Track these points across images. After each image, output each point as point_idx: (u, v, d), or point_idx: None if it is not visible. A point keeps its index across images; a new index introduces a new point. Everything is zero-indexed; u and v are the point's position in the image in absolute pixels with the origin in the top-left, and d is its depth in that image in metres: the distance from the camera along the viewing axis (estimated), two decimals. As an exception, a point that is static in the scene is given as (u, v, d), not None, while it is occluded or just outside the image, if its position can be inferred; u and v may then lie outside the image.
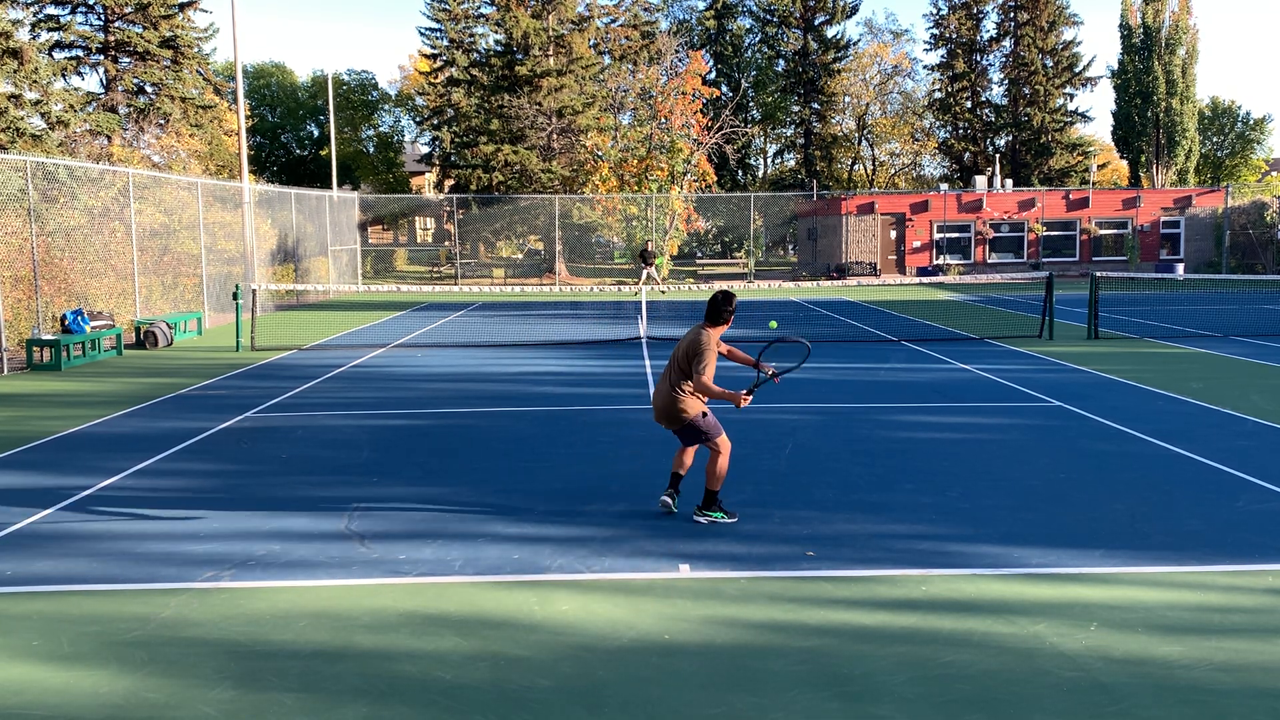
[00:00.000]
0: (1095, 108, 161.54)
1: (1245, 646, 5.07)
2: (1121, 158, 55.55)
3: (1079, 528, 7.06)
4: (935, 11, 59.02)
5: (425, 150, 57.65)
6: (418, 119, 57.93)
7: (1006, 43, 57.80)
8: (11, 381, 14.68)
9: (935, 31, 59.04)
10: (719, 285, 33.12)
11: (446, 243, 50.60)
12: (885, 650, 5.07)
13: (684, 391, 7.13)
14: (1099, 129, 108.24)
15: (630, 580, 6.11)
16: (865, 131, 66.60)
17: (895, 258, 41.30)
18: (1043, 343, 18.00)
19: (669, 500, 7.41)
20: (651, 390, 13.08)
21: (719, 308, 7.26)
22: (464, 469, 8.96)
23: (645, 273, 32.49)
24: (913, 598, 5.79)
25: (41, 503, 7.91)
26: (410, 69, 63.60)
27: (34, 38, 31.88)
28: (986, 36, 58.35)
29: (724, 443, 7.25)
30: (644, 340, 18.66)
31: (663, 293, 32.63)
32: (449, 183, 50.41)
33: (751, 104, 62.46)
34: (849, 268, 40.68)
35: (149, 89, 34.85)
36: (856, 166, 68.32)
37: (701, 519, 7.24)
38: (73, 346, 16.36)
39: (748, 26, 63.69)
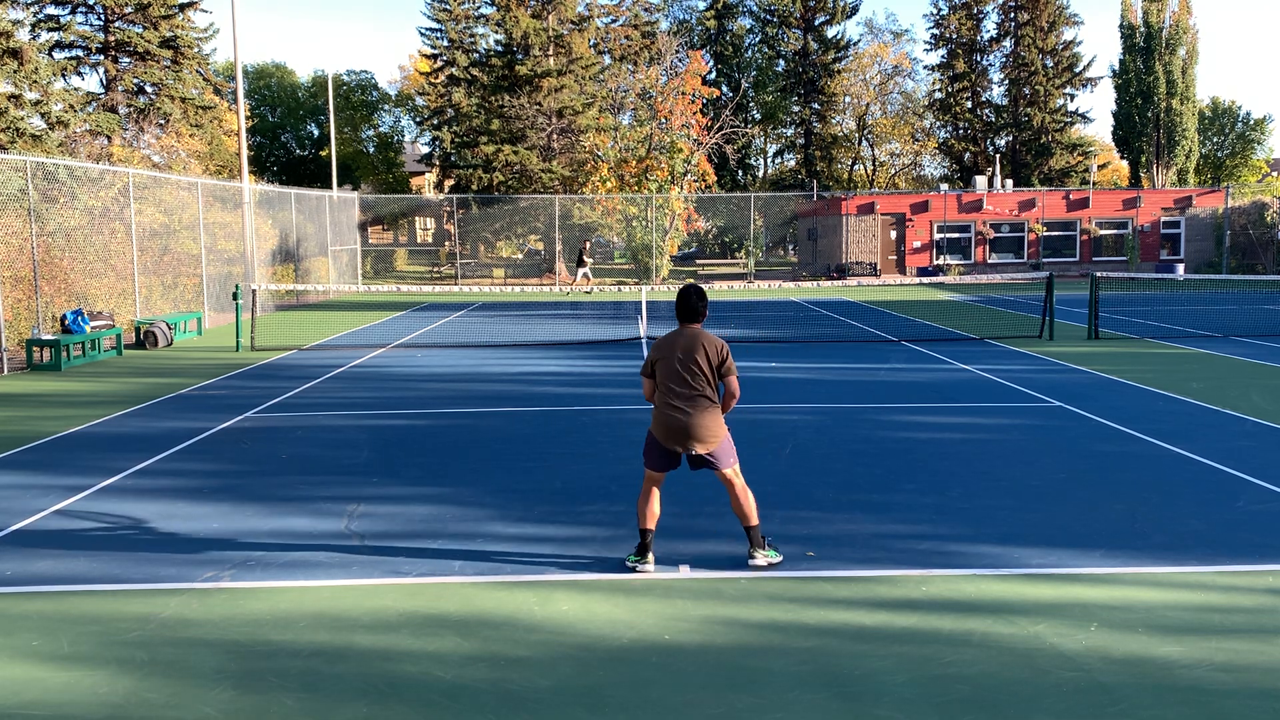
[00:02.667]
0: (1095, 108, 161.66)
1: (1245, 646, 5.07)
2: (1122, 158, 55.56)
3: (1079, 528, 7.06)
4: (935, 12, 59.07)
5: (425, 150, 57.68)
6: (418, 119, 57.96)
7: (1006, 43, 57.83)
8: (11, 381, 14.68)
9: (935, 32, 59.07)
10: (720, 286, 33.21)
11: (446, 243, 50.62)
12: (885, 650, 5.06)
13: (715, 403, 6.29)
14: (1099, 129, 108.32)
15: (630, 580, 6.11)
16: (865, 131, 66.61)
17: (895, 258, 41.30)
18: (1043, 343, 17.99)
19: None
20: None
21: (702, 304, 6.41)
22: (464, 469, 8.96)
23: (581, 272, 33.30)
24: (913, 598, 5.79)
25: (42, 502, 7.91)
26: (410, 69, 63.64)
27: (34, 38, 31.89)
28: (986, 37, 58.39)
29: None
30: (644, 340, 18.65)
31: (588, 294, 32.88)
32: (449, 183, 50.44)
33: (751, 104, 62.47)
34: (849, 268, 40.69)
35: (149, 89, 34.86)
36: (857, 166, 68.33)
37: (763, 559, 6.32)
38: (73, 346, 16.36)
39: (748, 26, 63.74)
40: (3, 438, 10.47)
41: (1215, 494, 7.89)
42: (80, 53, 33.97)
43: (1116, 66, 51.78)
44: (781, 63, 62.66)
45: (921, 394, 12.76)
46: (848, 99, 64.77)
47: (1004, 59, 57.95)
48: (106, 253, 19.93)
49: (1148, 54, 50.08)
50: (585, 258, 34.68)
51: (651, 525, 6.28)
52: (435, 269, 46.36)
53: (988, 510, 7.50)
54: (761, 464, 8.96)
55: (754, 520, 6.27)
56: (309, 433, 10.62)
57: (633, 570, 6.26)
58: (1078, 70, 56.31)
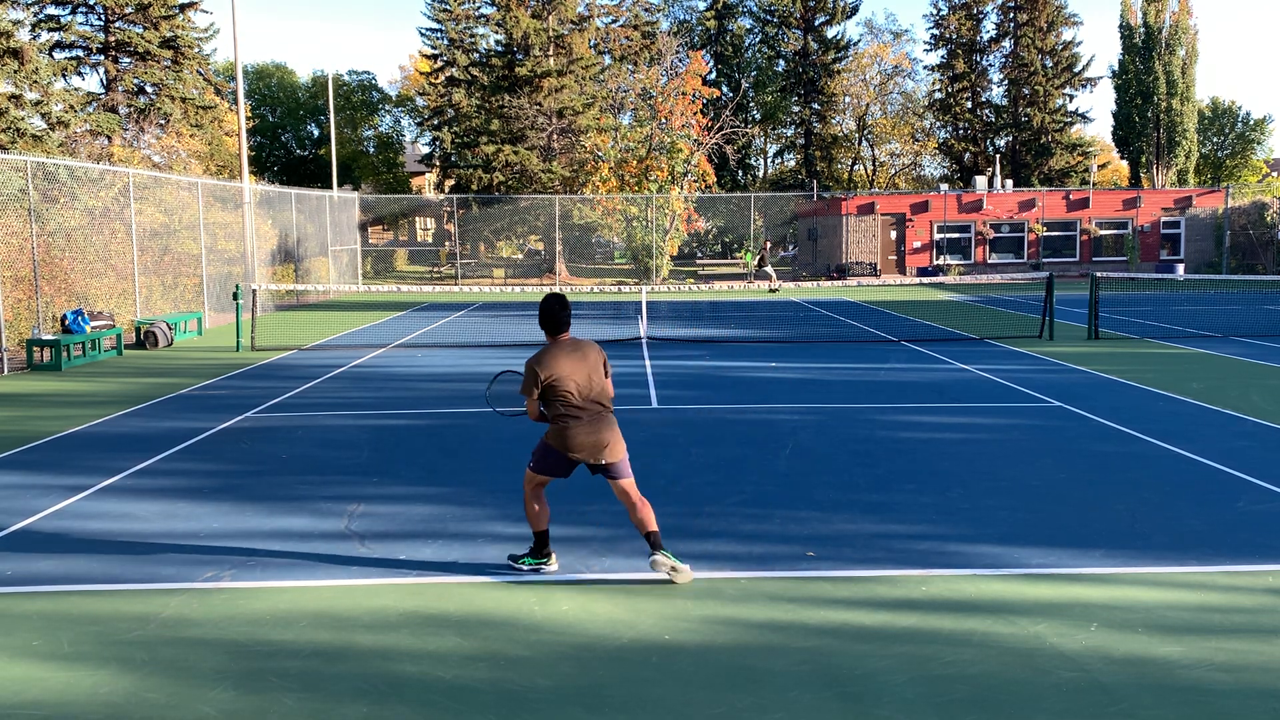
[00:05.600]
0: (1095, 108, 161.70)
1: (1245, 646, 5.07)
2: (1121, 158, 55.59)
3: (1079, 528, 7.06)
4: (935, 12, 59.08)
5: (425, 150, 57.71)
6: (418, 119, 57.94)
7: (1006, 43, 57.83)
8: (11, 381, 14.68)
9: (935, 32, 59.08)
10: (720, 286, 33.20)
11: (447, 243, 50.62)
12: (885, 650, 5.06)
13: (612, 410, 6.23)
14: (1099, 129, 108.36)
15: (630, 580, 6.11)
16: (865, 132, 66.61)
17: (895, 258, 41.30)
18: (1043, 343, 17.99)
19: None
20: (652, 392, 13.07)
21: (566, 312, 6.21)
22: (464, 469, 8.96)
23: (767, 272, 33.00)
24: (913, 598, 5.79)
25: (42, 502, 7.91)
26: (411, 69, 63.66)
27: (34, 38, 31.90)
28: (986, 37, 58.39)
29: None
30: (644, 340, 18.65)
31: (774, 290, 32.67)
32: (449, 183, 50.44)
33: (751, 104, 62.47)
34: (849, 268, 40.69)
35: (149, 89, 34.87)
36: (857, 167, 68.33)
37: (666, 562, 5.99)
38: (73, 346, 16.36)
39: (748, 27, 63.74)
40: (3, 438, 10.47)
41: (1215, 494, 7.89)
42: (80, 53, 33.98)
43: (1116, 67, 51.79)
44: (781, 63, 62.66)
45: (921, 394, 12.76)
46: (848, 99, 64.77)
47: (1004, 59, 57.96)
48: (107, 253, 19.93)
49: (1147, 54, 50.09)
50: (765, 260, 34.47)
51: (547, 525, 6.25)
52: (435, 269, 46.35)
53: (988, 510, 7.50)
54: (761, 464, 8.96)
55: (653, 526, 6.03)
56: (309, 433, 10.62)
57: (535, 571, 6.16)
58: (1077, 70, 56.31)
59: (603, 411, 6.13)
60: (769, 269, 33.52)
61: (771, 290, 32.41)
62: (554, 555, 6.31)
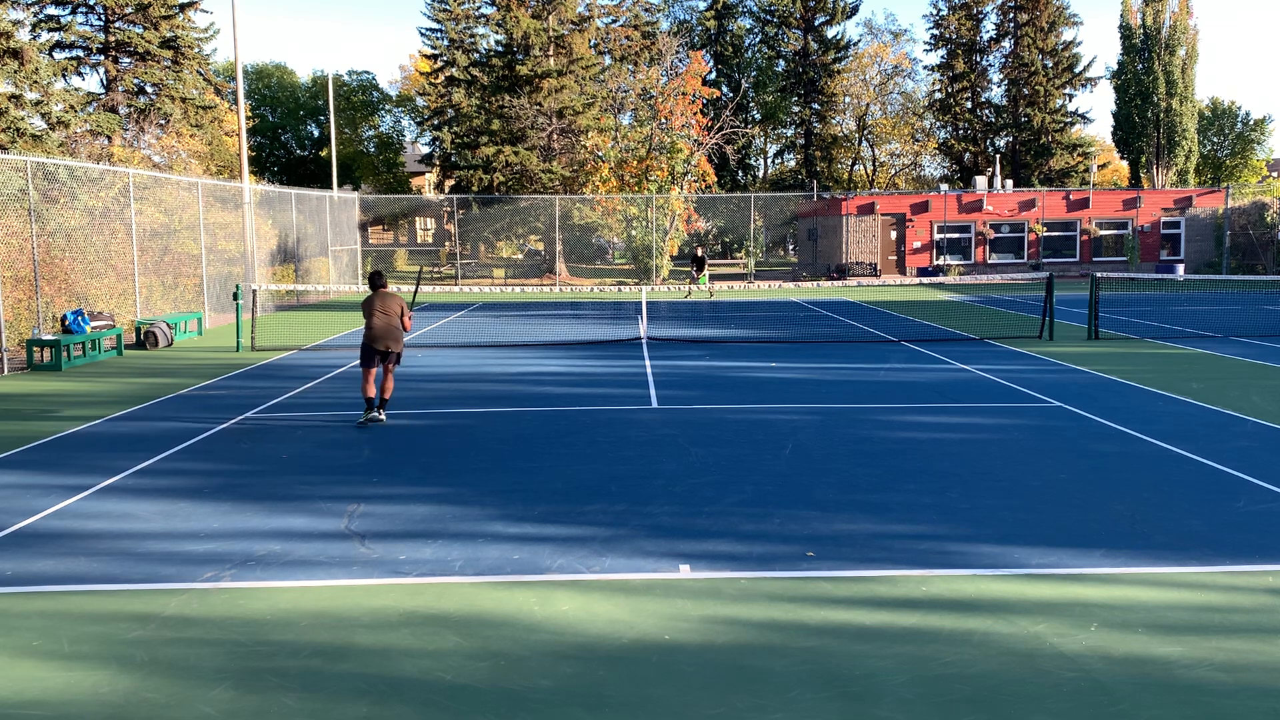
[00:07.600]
0: (1095, 108, 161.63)
1: (1245, 646, 5.07)
2: (1122, 158, 55.54)
3: (1079, 528, 7.06)
4: (935, 12, 59.05)
5: (426, 151, 57.69)
6: (418, 119, 57.91)
7: (1006, 43, 57.81)
8: (11, 381, 14.68)
9: (935, 32, 59.06)
10: (720, 286, 33.16)
11: (447, 243, 50.60)
12: (885, 650, 5.07)
13: (403, 327, 11.24)
14: (1099, 129, 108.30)
15: (630, 580, 6.11)
16: (865, 132, 66.58)
17: (895, 258, 41.29)
18: (1043, 343, 17.99)
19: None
20: (652, 392, 13.10)
21: (382, 278, 11.45)
22: (464, 469, 8.97)
23: (697, 275, 31.93)
24: (913, 598, 5.79)
25: (42, 502, 7.91)
26: (411, 69, 63.66)
27: (34, 38, 31.90)
28: (986, 37, 58.37)
29: None
30: (644, 340, 18.65)
31: (696, 295, 32.32)
32: (449, 183, 50.43)
33: (751, 104, 62.44)
34: (849, 268, 40.69)
35: (149, 89, 34.87)
36: (857, 167, 68.31)
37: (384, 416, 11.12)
38: (73, 347, 16.36)
39: (748, 27, 63.71)
40: (3, 438, 10.47)
41: (1215, 494, 7.89)
42: (80, 53, 33.97)
43: (1116, 67, 51.78)
44: (781, 63, 62.63)
45: (921, 394, 12.76)
46: (848, 99, 64.73)
47: (1004, 59, 57.93)
48: (107, 253, 19.93)
49: (1147, 54, 50.07)
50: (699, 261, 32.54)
51: (373, 395, 10.94)
52: (435, 268, 46.26)
53: (988, 510, 7.50)
54: (761, 464, 8.96)
55: (389, 396, 11.19)
56: (309, 433, 10.63)
57: (365, 424, 10.83)
58: (1077, 70, 56.29)
59: (389, 326, 11.09)
60: (702, 273, 32.09)
61: (684, 295, 32.03)
62: (373, 412, 10.97)
